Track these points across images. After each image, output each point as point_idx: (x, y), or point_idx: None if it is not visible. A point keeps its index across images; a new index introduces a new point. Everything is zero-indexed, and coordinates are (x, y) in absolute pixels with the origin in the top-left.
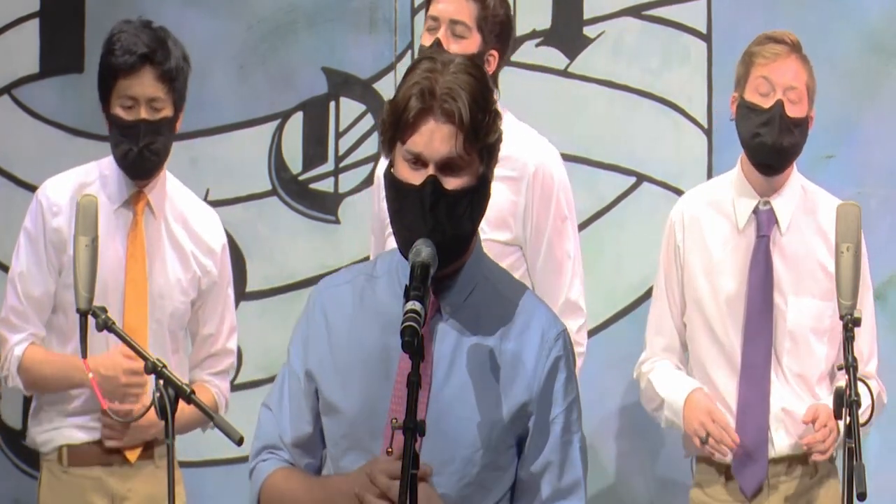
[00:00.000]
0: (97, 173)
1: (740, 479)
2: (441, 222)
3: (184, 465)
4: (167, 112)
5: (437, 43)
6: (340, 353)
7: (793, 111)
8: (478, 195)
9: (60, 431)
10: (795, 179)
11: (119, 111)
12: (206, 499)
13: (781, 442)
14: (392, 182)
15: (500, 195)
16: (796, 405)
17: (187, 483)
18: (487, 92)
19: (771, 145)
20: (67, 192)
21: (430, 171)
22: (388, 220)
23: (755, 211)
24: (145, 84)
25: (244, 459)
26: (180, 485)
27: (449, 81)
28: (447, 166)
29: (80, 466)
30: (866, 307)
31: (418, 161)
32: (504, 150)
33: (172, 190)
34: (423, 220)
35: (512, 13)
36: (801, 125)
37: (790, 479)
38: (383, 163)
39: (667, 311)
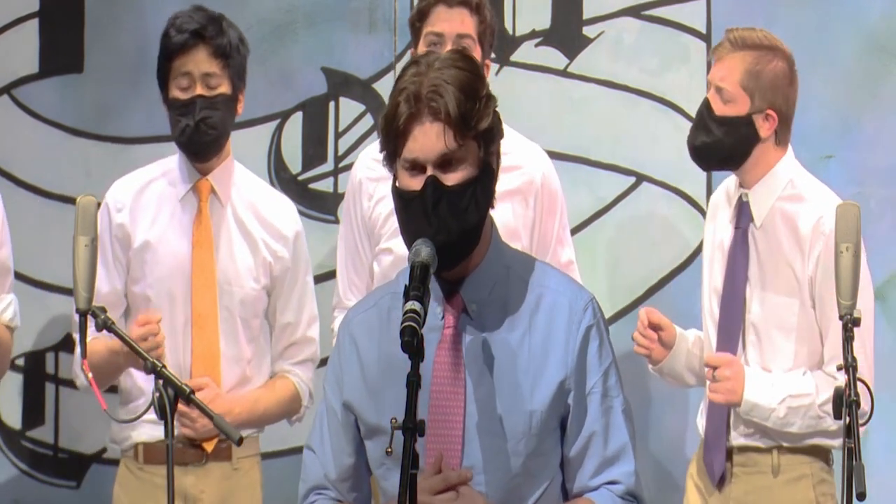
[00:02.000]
0: (161, 169)
1: (707, 466)
2: (445, 221)
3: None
4: (224, 89)
5: None
6: (373, 376)
7: (722, 109)
8: (482, 184)
9: (137, 429)
10: (782, 172)
11: (176, 92)
12: None
13: (738, 433)
14: (397, 194)
15: (510, 209)
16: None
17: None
18: (477, 80)
19: (689, 145)
20: (132, 189)
21: (429, 172)
22: (378, 223)
23: (738, 203)
24: (199, 60)
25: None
26: (258, 491)
27: (434, 79)
28: (444, 163)
29: (155, 464)
30: (866, 310)
31: (416, 167)
32: (512, 159)
33: (241, 178)
34: (428, 222)
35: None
36: (730, 124)
37: (752, 472)
38: (360, 164)
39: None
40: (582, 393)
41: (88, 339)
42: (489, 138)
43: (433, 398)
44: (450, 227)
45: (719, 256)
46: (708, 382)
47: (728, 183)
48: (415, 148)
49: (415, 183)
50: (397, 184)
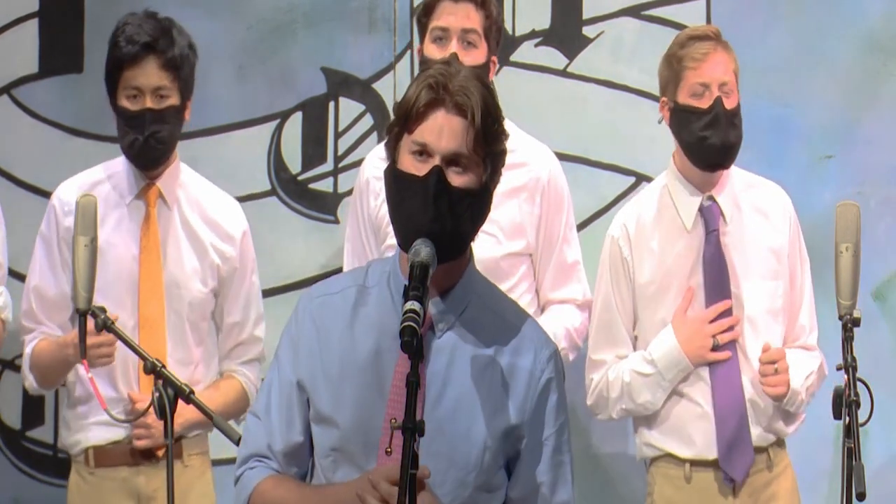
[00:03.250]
0: (107, 172)
1: (728, 468)
2: (442, 214)
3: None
4: (173, 101)
5: (456, 57)
6: (333, 366)
7: (729, 103)
8: (479, 201)
9: (86, 433)
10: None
11: (125, 102)
12: None
13: (754, 436)
14: (394, 175)
15: (516, 206)
16: (761, 396)
17: (189, 482)
18: (496, 106)
19: (721, 146)
20: (79, 192)
21: (436, 161)
22: (384, 222)
23: (700, 208)
24: (149, 73)
25: None
26: (210, 485)
27: (463, 80)
28: (453, 161)
29: (107, 467)
30: (806, 282)
31: (424, 152)
32: (518, 157)
33: (188, 180)
34: (425, 209)
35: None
36: (738, 113)
37: (753, 472)
38: (368, 163)
39: (622, 329)
40: (535, 441)
41: (33, 343)
42: (495, 163)
43: (390, 408)
44: (446, 221)
45: (684, 267)
46: (763, 378)
47: (641, 205)
48: (429, 134)
49: (419, 168)
50: (396, 165)
